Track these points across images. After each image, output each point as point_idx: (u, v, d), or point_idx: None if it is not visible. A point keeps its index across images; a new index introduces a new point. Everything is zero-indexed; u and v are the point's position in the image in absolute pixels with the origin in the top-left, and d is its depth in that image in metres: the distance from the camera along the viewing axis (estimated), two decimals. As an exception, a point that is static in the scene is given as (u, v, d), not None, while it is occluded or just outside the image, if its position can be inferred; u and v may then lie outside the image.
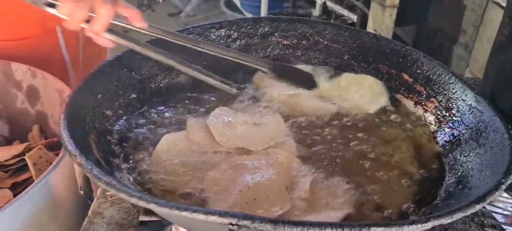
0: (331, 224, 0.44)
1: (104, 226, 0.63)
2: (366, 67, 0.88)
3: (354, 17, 2.68)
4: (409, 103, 0.82)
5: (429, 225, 0.46)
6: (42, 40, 1.03)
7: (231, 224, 0.45)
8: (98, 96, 0.72)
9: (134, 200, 0.47)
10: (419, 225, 0.46)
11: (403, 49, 0.84)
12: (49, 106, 0.95)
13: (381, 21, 2.19)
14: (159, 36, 0.80)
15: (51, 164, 0.78)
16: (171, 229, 0.64)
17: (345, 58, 0.90)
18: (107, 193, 0.69)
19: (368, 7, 2.49)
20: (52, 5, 0.71)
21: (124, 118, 0.75)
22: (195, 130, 0.75)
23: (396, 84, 0.84)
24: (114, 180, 0.51)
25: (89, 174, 0.51)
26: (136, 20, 0.75)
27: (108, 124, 0.71)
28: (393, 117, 0.80)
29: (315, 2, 3.07)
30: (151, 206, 0.47)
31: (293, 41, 0.92)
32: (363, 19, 2.59)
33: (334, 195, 0.66)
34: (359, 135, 0.77)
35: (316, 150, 0.73)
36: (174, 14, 3.92)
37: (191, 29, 0.89)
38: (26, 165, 0.83)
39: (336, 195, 0.66)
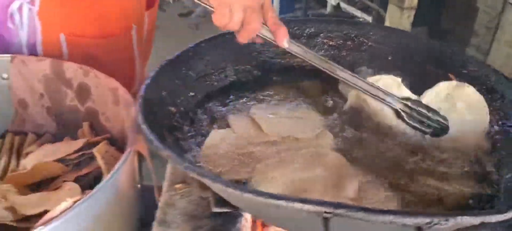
0: (423, 214, 0.47)
1: (178, 216, 0.66)
2: (413, 68, 0.91)
3: (369, 19, 2.72)
4: (456, 103, 0.85)
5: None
6: (120, 39, 1.07)
7: (326, 212, 0.48)
8: (162, 93, 0.75)
9: (230, 190, 0.50)
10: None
11: (450, 50, 0.88)
12: (100, 103, 0.97)
13: (399, 23, 2.23)
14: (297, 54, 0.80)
15: (115, 158, 0.82)
16: (242, 219, 0.67)
17: (390, 58, 0.93)
18: (175, 186, 0.72)
19: (383, 8, 2.53)
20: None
21: (185, 115, 0.78)
22: (239, 124, 0.79)
23: (443, 84, 0.87)
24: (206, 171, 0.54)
25: (180, 166, 0.54)
26: (280, 40, 0.76)
27: (173, 120, 0.74)
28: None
29: (326, 2, 3.11)
30: (247, 196, 0.50)
31: (339, 42, 0.95)
32: (378, 20, 2.63)
33: (381, 194, 0.69)
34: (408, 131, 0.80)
35: (365, 150, 0.76)
36: (184, 14, 3.95)
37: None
38: (85, 160, 0.87)
39: (384, 195, 0.69)
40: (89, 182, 0.84)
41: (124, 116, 0.89)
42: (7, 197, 0.74)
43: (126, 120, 0.88)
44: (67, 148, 0.85)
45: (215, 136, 0.76)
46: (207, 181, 0.52)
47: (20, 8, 1.00)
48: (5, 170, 0.95)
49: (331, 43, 0.95)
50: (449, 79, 0.87)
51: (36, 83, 1.01)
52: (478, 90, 0.82)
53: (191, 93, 0.82)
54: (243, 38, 0.75)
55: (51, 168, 0.81)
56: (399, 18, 2.23)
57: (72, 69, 0.99)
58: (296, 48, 0.78)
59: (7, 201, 0.72)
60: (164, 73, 0.77)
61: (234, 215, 0.67)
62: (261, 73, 0.91)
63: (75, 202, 0.64)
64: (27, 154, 0.95)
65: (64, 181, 0.81)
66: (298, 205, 0.48)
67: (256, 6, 0.73)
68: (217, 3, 0.71)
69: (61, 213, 0.62)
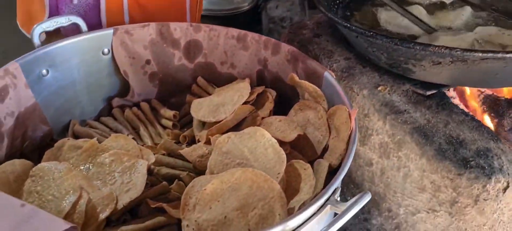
0: None
1: (406, 104, 0.85)
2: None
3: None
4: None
5: None
6: None
7: None
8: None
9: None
10: None
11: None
12: (216, 55, 1.04)
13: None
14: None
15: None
16: (448, 94, 0.89)
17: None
18: (378, 88, 0.89)
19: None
20: None
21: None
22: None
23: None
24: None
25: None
26: None
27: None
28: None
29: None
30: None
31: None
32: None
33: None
34: None
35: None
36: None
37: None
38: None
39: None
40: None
41: (267, 55, 1.00)
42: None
43: (271, 58, 0.99)
44: (235, 95, 0.93)
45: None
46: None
47: None
48: (152, 138, 0.98)
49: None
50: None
51: (142, 50, 1.02)
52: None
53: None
54: None
55: (245, 110, 0.90)
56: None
57: (180, 29, 1.03)
58: None
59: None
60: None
61: (441, 92, 0.88)
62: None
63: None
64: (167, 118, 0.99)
65: (263, 118, 0.90)
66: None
67: None
68: None
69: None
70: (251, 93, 0.94)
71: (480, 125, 0.82)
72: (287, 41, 1.08)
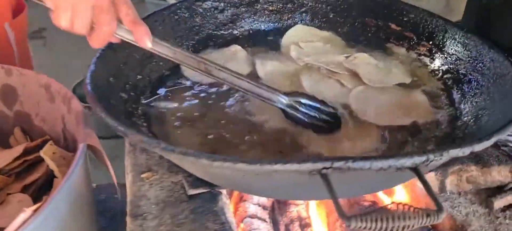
0: (418, 153, 0.47)
1: (153, 206, 0.62)
2: (353, 22, 0.92)
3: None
4: (401, 50, 0.87)
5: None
6: None
7: (325, 168, 0.46)
8: (110, 79, 0.70)
9: (228, 164, 0.46)
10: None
11: (386, 0, 0.89)
12: (31, 104, 0.88)
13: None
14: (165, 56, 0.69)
15: (64, 158, 0.75)
16: (222, 197, 0.64)
17: (331, 16, 0.93)
18: (142, 176, 0.67)
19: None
20: None
21: (139, 99, 0.73)
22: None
23: (386, 34, 0.89)
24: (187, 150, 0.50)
25: (156, 149, 0.50)
26: (140, 40, 0.65)
27: (128, 106, 0.69)
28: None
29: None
30: (251, 167, 0.46)
31: (279, 6, 0.94)
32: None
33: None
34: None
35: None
36: None
37: (178, 5, 0.88)
38: (26, 168, 0.78)
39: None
40: (36, 190, 0.76)
41: (64, 112, 0.81)
42: None
43: (67, 116, 0.81)
44: (6, 156, 0.76)
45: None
46: (192, 159, 0.48)
47: None
48: None
49: (271, 8, 0.93)
50: (390, 28, 0.89)
51: (-50, 97, 0.90)
52: (420, 33, 0.85)
53: (138, 77, 0.76)
54: (95, 43, 0.63)
55: (-9, 181, 0.72)
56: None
57: (-9, 72, 0.89)
58: (162, 48, 0.68)
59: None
60: (106, 58, 0.71)
61: (212, 194, 0.63)
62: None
63: (35, 210, 0.57)
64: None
65: (8, 193, 0.72)
66: (295, 166, 0.46)
67: (105, 4, 0.60)
68: (55, 3, 0.59)
69: (20, 226, 0.55)
70: (16, 159, 0.77)
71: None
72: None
